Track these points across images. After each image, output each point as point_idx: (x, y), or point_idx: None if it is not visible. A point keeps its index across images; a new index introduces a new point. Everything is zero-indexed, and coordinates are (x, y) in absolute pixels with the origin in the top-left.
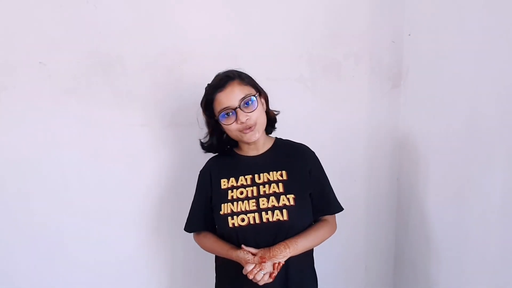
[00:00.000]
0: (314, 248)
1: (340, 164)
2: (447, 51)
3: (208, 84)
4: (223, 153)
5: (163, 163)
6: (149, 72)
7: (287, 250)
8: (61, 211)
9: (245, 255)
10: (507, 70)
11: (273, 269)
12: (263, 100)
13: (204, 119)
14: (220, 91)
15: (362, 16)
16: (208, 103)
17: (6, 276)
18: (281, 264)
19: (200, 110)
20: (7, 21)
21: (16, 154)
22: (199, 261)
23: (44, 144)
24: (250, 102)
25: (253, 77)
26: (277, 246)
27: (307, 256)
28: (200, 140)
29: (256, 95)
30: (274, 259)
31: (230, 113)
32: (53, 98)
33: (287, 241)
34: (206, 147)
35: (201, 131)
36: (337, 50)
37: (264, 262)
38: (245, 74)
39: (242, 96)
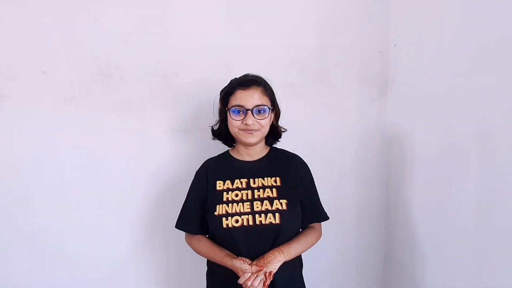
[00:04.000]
0: (306, 252)
1: (331, 168)
2: (429, 60)
3: (234, 78)
4: (227, 143)
5: (159, 167)
6: (146, 80)
7: (281, 256)
8: (61, 213)
9: (241, 264)
10: (483, 79)
11: (265, 278)
12: (273, 115)
13: (219, 107)
14: (243, 89)
15: (350, 28)
16: (227, 94)
17: (4, 272)
18: (272, 273)
19: (199, 115)
20: (12, 32)
21: (18, 158)
22: (193, 261)
23: (45, 149)
24: (262, 111)
25: (274, 93)
26: (271, 252)
27: (295, 261)
28: (211, 127)
29: (270, 108)
30: (269, 265)
31: (241, 112)
32: (54, 106)
33: (280, 247)
34: (215, 133)
35: (196, 137)
36: (327, 59)
37: (261, 270)
38: (270, 87)
39: (259, 103)
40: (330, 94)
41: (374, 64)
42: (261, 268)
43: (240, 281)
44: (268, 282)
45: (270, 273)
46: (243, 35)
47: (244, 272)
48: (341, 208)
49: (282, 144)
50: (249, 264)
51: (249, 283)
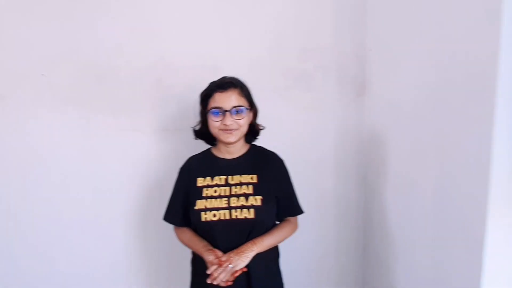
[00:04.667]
0: (285, 246)
1: (312, 165)
2: (402, 65)
3: (213, 81)
4: (209, 142)
5: (151, 164)
6: (139, 82)
7: (255, 247)
8: (58, 207)
9: (209, 256)
10: (444, 83)
11: (230, 275)
12: (251, 114)
13: (199, 109)
14: (220, 91)
15: (329, 34)
16: (206, 97)
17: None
18: (238, 273)
19: (188, 115)
20: (13, 37)
21: (18, 156)
22: (181, 249)
23: (44, 147)
24: (240, 111)
25: (251, 93)
26: (245, 244)
27: (271, 252)
28: (193, 127)
29: (248, 108)
30: (242, 254)
31: (220, 113)
32: (53, 106)
33: (254, 240)
34: (197, 133)
35: (185, 136)
36: (307, 63)
37: (221, 265)
38: (247, 88)
39: (236, 104)
40: (311, 96)
41: (351, 68)
42: (221, 264)
43: (208, 271)
44: (229, 280)
45: (235, 272)
46: (229, 41)
47: (211, 264)
48: (321, 203)
49: (266, 142)
50: (220, 256)
51: (215, 274)
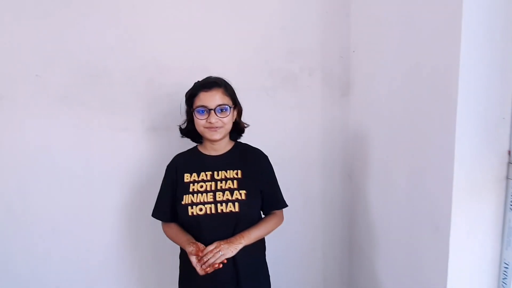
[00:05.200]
0: (273, 239)
1: (298, 162)
2: (381, 65)
3: (197, 81)
4: (195, 140)
5: (143, 162)
6: (131, 82)
7: (242, 240)
8: (53, 202)
9: (189, 247)
10: (416, 82)
11: (210, 266)
12: (235, 112)
13: (185, 108)
14: (205, 91)
15: (314, 36)
16: (191, 96)
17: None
18: (216, 266)
19: (178, 114)
20: (9, 39)
21: (15, 155)
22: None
23: (39, 144)
24: (224, 110)
25: (235, 91)
26: (234, 236)
27: (257, 244)
28: (179, 126)
29: (231, 107)
30: (232, 244)
31: (205, 111)
32: (48, 105)
33: (241, 233)
34: (183, 131)
35: (176, 134)
36: (294, 64)
37: (198, 255)
38: (231, 87)
39: (220, 103)
40: (297, 95)
41: (336, 68)
42: (197, 254)
43: (193, 262)
44: (207, 269)
45: (214, 264)
46: (218, 43)
47: (190, 255)
48: (308, 199)
49: (253, 140)
50: (202, 249)
51: (205, 259)
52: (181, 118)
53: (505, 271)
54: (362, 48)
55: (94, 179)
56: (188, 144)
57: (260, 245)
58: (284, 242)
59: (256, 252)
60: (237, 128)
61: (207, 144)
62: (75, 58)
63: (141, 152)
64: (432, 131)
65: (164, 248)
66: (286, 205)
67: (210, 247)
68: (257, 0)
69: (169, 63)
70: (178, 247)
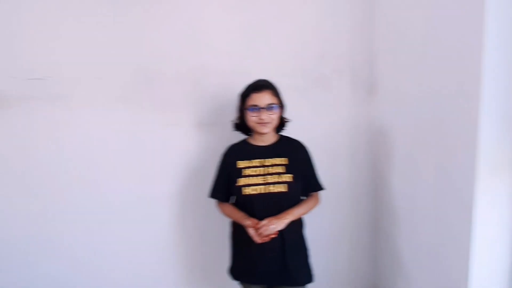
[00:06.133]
0: (308, 221)
1: (328, 154)
2: (409, 65)
3: (249, 83)
4: (245, 133)
5: (190, 153)
6: (181, 83)
7: (288, 216)
8: (111, 190)
9: (247, 221)
10: (439, 80)
11: (266, 236)
12: (280, 110)
13: (238, 106)
14: (256, 92)
15: (344, 40)
16: (244, 96)
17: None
18: (271, 236)
19: (222, 112)
20: (73, 44)
21: (78, 148)
22: (217, 225)
23: (99, 140)
24: (273, 108)
25: (280, 92)
26: (281, 214)
27: (299, 221)
28: (232, 121)
29: (278, 105)
30: (281, 219)
31: (257, 109)
32: (107, 104)
33: (287, 210)
34: (235, 125)
35: (219, 130)
36: (325, 66)
37: (257, 228)
38: (278, 89)
39: (270, 102)
40: (327, 95)
41: (363, 71)
42: (256, 226)
43: (251, 234)
44: (264, 239)
45: (269, 235)
46: (257, 48)
47: (248, 227)
48: (336, 187)
49: (289, 134)
50: (256, 223)
51: (261, 230)
52: (224, 115)
53: None
54: (388, 51)
55: (146, 170)
56: (230, 138)
57: (301, 222)
58: (316, 223)
59: (298, 227)
60: (281, 123)
61: (256, 136)
62: (133, 61)
63: (189, 144)
64: (457, 123)
65: (208, 227)
66: (323, 188)
67: (264, 221)
68: (293, 10)
69: (213, 66)
70: (223, 227)
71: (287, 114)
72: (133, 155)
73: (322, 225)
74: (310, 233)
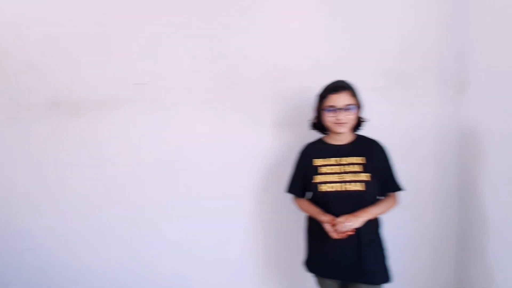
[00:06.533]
0: (386, 223)
1: (411, 157)
2: (508, 62)
3: (327, 85)
4: (321, 132)
5: (268, 151)
6: (260, 85)
7: (365, 214)
8: (198, 183)
9: (324, 217)
10: None
11: (343, 233)
12: (358, 110)
13: (316, 106)
14: (333, 93)
15: (430, 35)
16: (322, 97)
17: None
18: (348, 233)
19: (299, 111)
20: (169, 54)
21: (167, 145)
22: (293, 219)
23: (187, 139)
24: (350, 109)
25: (358, 93)
26: (358, 212)
27: (376, 220)
28: (309, 120)
29: (356, 106)
30: (358, 217)
31: (334, 110)
32: (194, 106)
33: (364, 209)
34: (312, 124)
35: (296, 129)
36: (407, 63)
37: (333, 224)
38: (356, 89)
39: (348, 103)
40: (409, 94)
41: (452, 67)
42: (333, 223)
43: (328, 230)
44: (341, 235)
45: (346, 232)
46: (335, 46)
47: (325, 223)
48: (417, 191)
49: (368, 134)
50: (333, 220)
51: (337, 227)
52: (302, 114)
53: None
54: (481, 47)
55: (230, 165)
56: (305, 137)
57: (377, 221)
58: (395, 228)
59: (374, 226)
60: (358, 122)
61: (333, 135)
62: (217, 67)
63: (267, 142)
64: None
65: (284, 218)
66: (402, 189)
67: (341, 219)
68: (373, 7)
69: (291, 68)
70: (298, 221)
71: (366, 114)
72: (217, 153)
73: (400, 229)
74: (387, 235)
